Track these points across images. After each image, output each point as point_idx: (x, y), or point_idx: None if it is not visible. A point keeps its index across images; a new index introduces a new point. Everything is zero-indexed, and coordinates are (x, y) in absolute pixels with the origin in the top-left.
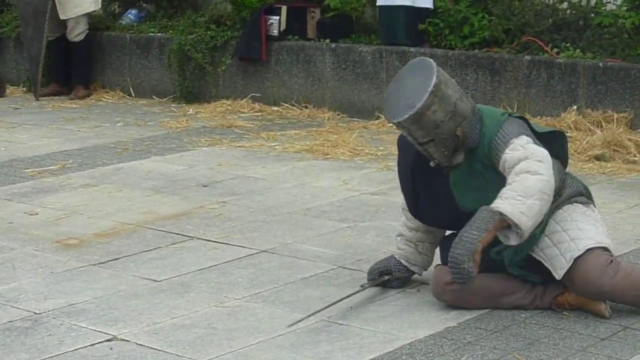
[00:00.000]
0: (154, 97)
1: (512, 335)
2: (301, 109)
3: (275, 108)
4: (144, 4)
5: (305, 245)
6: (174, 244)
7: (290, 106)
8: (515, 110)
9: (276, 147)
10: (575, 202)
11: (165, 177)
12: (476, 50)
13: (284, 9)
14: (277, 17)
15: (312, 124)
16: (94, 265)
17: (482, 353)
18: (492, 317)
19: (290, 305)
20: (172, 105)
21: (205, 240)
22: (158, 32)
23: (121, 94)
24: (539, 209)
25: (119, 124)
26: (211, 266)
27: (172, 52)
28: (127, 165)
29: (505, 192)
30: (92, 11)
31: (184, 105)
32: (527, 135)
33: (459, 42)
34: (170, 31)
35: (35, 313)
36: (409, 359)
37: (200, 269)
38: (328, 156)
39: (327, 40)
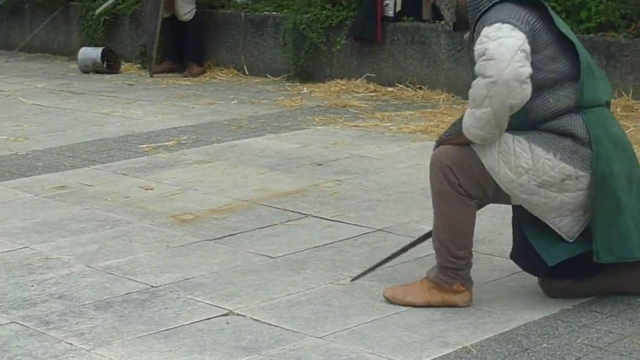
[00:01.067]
0: (267, 75)
1: (628, 320)
2: (415, 90)
3: (390, 89)
4: None
5: (420, 225)
6: (289, 221)
7: (404, 87)
8: (630, 97)
9: (391, 127)
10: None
11: (280, 155)
12: (592, 35)
13: None
14: None
15: (426, 105)
16: (210, 240)
17: (598, 336)
18: (607, 300)
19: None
20: (286, 84)
21: (320, 218)
22: (273, 11)
23: (235, 72)
24: (492, 116)
25: (233, 102)
26: (326, 244)
27: (287, 30)
28: (241, 143)
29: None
30: None
31: (298, 84)
32: (504, 22)
33: (575, 26)
34: (285, 10)
35: (152, 286)
36: (524, 340)
37: (316, 247)
38: None
39: (442, 22)
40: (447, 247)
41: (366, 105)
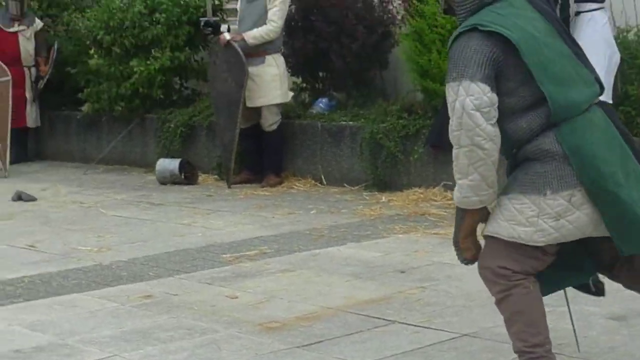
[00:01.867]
0: (345, 185)
1: None
2: None
3: None
4: (334, 93)
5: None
6: (375, 327)
7: None
8: None
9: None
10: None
11: (363, 263)
12: None
13: None
14: None
15: None
16: (298, 347)
17: None
18: None
19: None
20: (364, 193)
21: (406, 324)
22: (349, 121)
23: (312, 181)
24: (482, 180)
25: (312, 211)
26: (414, 349)
27: (364, 140)
28: (323, 252)
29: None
30: (282, 102)
31: (376, 193)
32: (463, 79)
33: None
34: (362, 120)
35: None
36: None
37: (403, 352)
38: None
39: None
40: (522, 338)
41: (445, 213)
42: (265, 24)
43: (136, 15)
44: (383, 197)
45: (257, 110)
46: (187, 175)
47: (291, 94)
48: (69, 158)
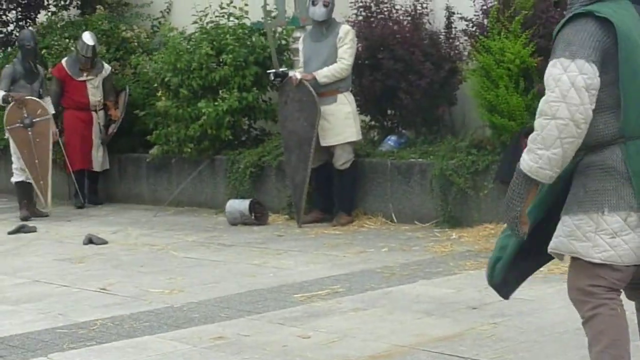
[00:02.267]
0: (416, 222)
1: None
2: None
3: None
4: (403, 131)
5: None
6: None
7: None
8: None
9: (541, 269)
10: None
11: (435, 300)
12: None
13: None
14: None
15: None
16: None
17: None
18: None
19: None
20: (435, 230)
21: None
22: (419, 158)
23: (383, 219)
24: (562, 156)
25: (383, 249)
26: None
27: (434, 177)
28: (395, 289)
29: (530, 141)
30: (354, 141)
31: (446, 229)
32: (574, 58)
33: None
34: (431, 156)
35: None
36: None
37: None
38: None
39: None
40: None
41: None
42: (335, 62)
43: (203, 57)
44: (454, 234)
45: (328, 149)
46: (257, 216)
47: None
48: (139, 201)
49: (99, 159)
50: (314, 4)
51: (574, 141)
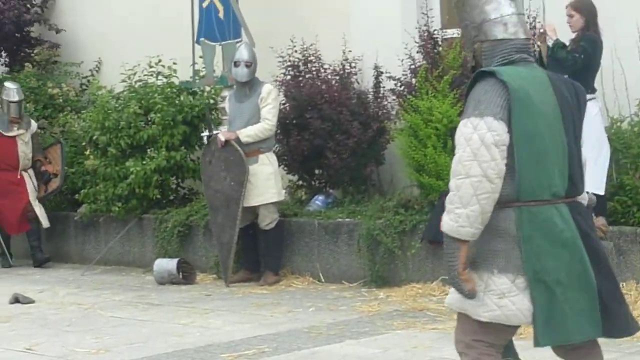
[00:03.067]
0: (343, 282)
1: None
2: None
3: None
4: (331, 190)
5: None
6: None
7: None
8: None
9: None
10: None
11: None
12: None
13: None
14: None
15: None
16: None
17: None
18: None
19: None
20: (363, 289)
21: None
22: (346, 217)
23: (311, 279)
24: (480, 212)
25: (311, 309)
26: None
27: (362, 236)
28: (322, 349)
29: (447, 202)
30: (277, 201)
31: (374, 289)
32: (483, 116)
33: None
34: (359, 216)
35: None
36: None
37: None
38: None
39: None
40: None
41: (443, 308)
42: (258, 122)
43: (131, 116)
44: (381, 293)
45: (253, 209)
46: (185, 275)
47: (283, 191)
48: (66, 259)
49: (43, 214)
50: (236, 65)
51: (489, 196)
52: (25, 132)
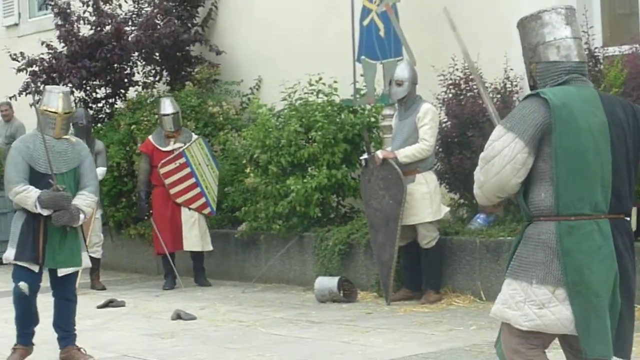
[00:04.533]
0: None
1: None
2: None
3: None
4: None
5: None
6: None
7: None
8: None
9: None
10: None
11: None
12: None
13: None
14: None
15: None
16: None
17: None
18: None
19: None
20: None
21: None
22: (507, 236)
23: (472, 297)
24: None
25: (472, 327)
26: None
27: None
28: None
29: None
30: (435, 220)
31: None
32: (508, 130)
33: None
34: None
35: None
36: None
37: None
38: None
39: None
40: None
41: None
42: (415, 141)
43: (292, 134)
44: None
45: (413, 228)
46: (346, 293)
47: (446, 209)
48: (227, 276)
49: (192, 238)
50: (391, 84)
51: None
52: (183, 145)
